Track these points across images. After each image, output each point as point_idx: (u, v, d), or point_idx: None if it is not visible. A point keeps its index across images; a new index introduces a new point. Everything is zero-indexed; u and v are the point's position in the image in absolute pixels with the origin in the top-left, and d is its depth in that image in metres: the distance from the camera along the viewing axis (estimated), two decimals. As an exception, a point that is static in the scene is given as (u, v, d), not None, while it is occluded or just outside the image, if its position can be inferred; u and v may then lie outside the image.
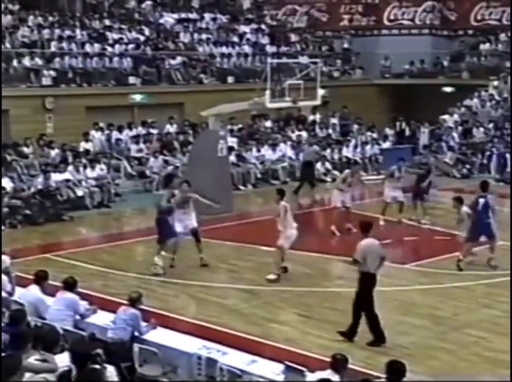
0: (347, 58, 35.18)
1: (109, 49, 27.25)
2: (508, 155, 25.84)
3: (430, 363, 10.53)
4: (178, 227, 14.85)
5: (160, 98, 27.07)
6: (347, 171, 19.21)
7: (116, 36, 28.27)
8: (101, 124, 24.67)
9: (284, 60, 28.77)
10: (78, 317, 10.60)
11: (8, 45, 25.00)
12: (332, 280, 14.65)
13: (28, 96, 24.03)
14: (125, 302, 10.53)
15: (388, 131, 29.77)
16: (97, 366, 7.42)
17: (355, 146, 27.69)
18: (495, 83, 30.96)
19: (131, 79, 26.90)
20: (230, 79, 29.25)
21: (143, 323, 10.31)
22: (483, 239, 15.14)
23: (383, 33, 35.69)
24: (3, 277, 10.84)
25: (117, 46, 27.51)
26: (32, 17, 27.24)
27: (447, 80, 33.31)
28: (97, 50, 26.83)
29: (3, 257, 11.23)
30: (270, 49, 31.99)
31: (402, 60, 33.78)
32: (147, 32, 29.60)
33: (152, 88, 27.14)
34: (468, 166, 26.49)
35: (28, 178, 20.61)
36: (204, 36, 30.94)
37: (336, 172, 24.66)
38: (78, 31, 27.53)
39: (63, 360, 7.62)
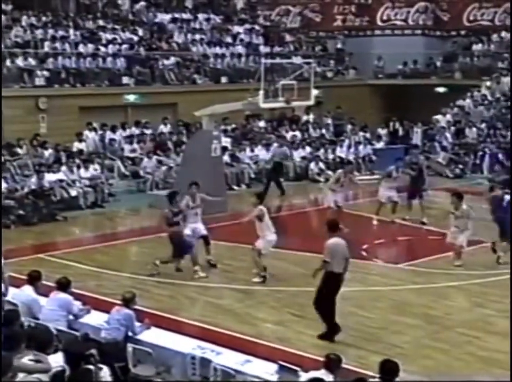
0: (340, 58, 35.19)
1: (102, 49, 27.20)
2: (500, 155, 25.94)
3: (424, 362, 10.55)
4: (187, 230, 14.72)
5: (154, 99, 27.04)
6: (340, 171, 19.22)
7: (109, 36, 28.23)
8: (95, 125, 24.63)
9: (277, 60, 28.75)
10: (71, 317, 10.59)
11: (1, 45, 24.97)
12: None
13: (22, 97, 23.99)
14: (119, 302, 10.52)
15: (381, 131, 29.83)
16: (91, 367, 7.41)
17: (349, 146, 27.72)
18: (488, 83, 31.03)
19: (125, 80, 26.88)
20: (223, 80, 29.25)
21: (137, 324, 10.30)
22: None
23: (376, 34, 35.73)
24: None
25: (110, 46, 27.47)
26: (25, 17, 27.20)
27: (440, 80, 33.39)
28: (91, 50, 26.79)
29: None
30: (264, 49, 31.98)
31: (395, 61, 33.81)
32: (140, 32, 29.56)
33: (145, 89, 27.11)
34: (461, 166, 26.57)
35: (22, 178, 20.53)
36: (197, 36, 30.92)
37: (329, 172, 24.66)
38: (71, 31, 27.48)
39: (56, 360, 7.61)
